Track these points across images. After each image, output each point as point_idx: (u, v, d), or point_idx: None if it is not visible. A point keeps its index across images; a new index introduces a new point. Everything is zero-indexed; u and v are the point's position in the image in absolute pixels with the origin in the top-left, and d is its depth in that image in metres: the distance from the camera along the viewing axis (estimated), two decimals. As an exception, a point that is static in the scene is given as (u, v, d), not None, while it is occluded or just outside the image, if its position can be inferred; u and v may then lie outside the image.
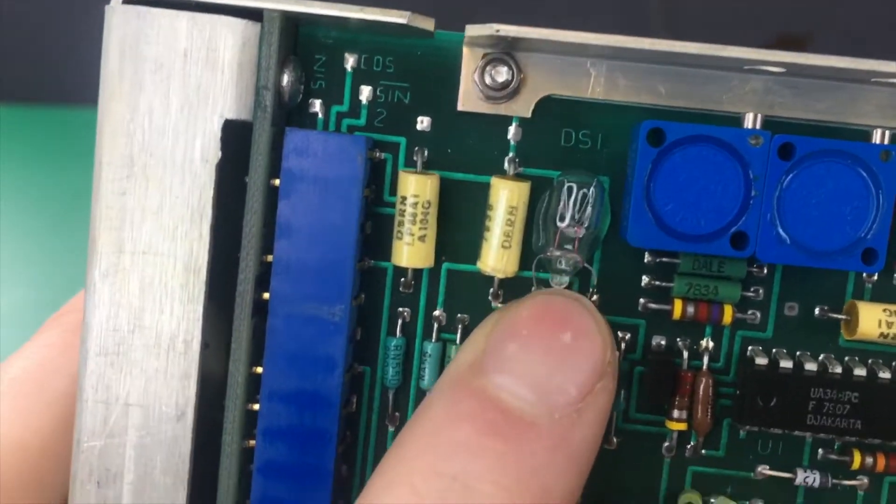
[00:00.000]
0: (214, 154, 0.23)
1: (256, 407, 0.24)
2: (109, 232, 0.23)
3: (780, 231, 0.24)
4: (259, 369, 0.24)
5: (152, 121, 0.23)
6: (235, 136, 0.23)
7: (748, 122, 0.24)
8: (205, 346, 0.23)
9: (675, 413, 0.26)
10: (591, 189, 0.25)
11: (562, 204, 0.25)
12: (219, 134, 0.23)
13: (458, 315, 0.26)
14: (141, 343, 0.23)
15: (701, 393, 0.26)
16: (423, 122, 0.25)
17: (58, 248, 0.67)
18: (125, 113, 0.23)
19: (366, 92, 0.25)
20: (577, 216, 0.25)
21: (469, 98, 0.25)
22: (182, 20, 0.23)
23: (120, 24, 0.23)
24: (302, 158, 0.24)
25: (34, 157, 0.70)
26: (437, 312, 0.26)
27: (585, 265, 0.25)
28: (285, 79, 0.24)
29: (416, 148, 0.25)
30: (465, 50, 0.25)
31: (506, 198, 0.24)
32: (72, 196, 0.67)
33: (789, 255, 0.24)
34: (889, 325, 0.25)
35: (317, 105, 0.25)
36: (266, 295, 0.24)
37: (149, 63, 0.23)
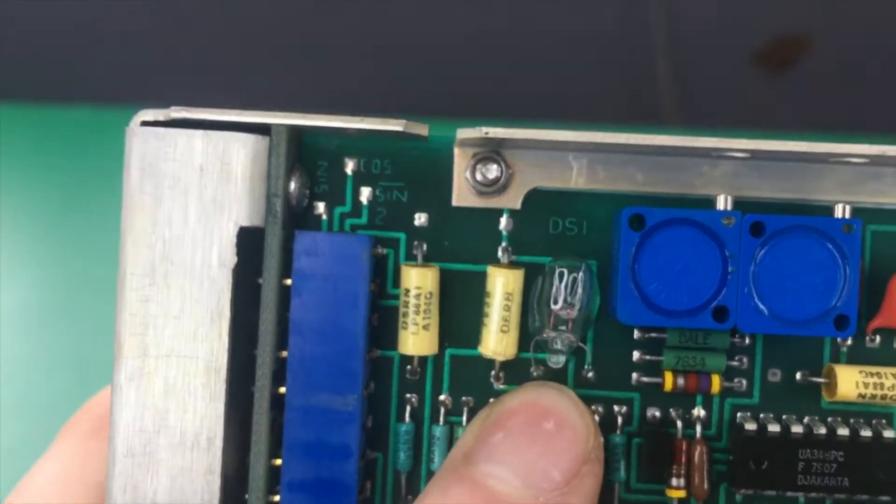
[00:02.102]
0: (231, 259, 0.25)
1: (277, 498, 0.25)
2: (134, 337, 0.24)
3: (758, 303, 0.26)
4: (278, 461, 0.25)
5: (172, 231, 0.24)
6: (249, 241, 0.25)
7: (720, 203, 0.26)
8: (227, 441, 0.25)
9: (674, 481, 0.27)
10: (580, 273, 0.26)
11: (554, 288, 0.26)
12: (234, 240, 0.25)
13: (463, 398, 0.28)
14: (166, 442, 0.24)
15: (696, 460, 0.27)
16: (420, 219, 0.27)
17: (57, 247, 0.68)
18: (146, 225, 0.24)
19: (366, 193, 0.27)
20: (568, 298, 0.26)
21: (462, 194, 0.27)
22: (197, 138, 0.25)
23: (139, 144, 0.25)
24: (311, 258, 0.25)
25: (34, 156, 0.70)
26: (442, 397, 0.27)
27: (580, 344, 0.27)
28: (292, 186, 0.26)
29: (416, 242, 0.27)
30: (457, 150, 0.27)
31: (501, 285, 0.26)
32: (71, 195, 0.68)
33: (768, 325, 0.26)
34: (866, 385, 0.27)
35: (321, 207, 0.27)
36: (282, 389, 0.25)
37: (167, 179, 0.24)
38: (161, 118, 0.25)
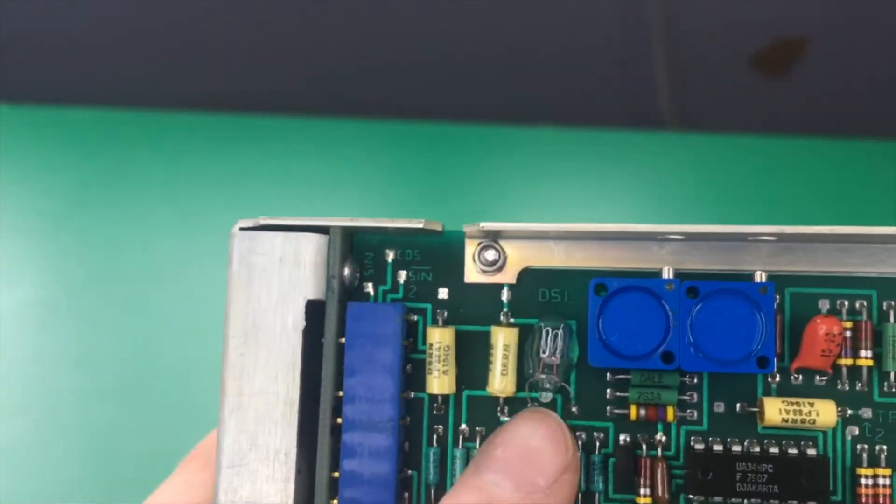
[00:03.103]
0: (301, 324, 0.34)
1: (335, 501, 0.34)
2: (233, 381, 0.34)
3: (696, 348, 0.34)
4: (336, 474, 0.34)
5: (260, 304, 0.34)
6: (315, 311, 0.35)
7: (665, 274, 0.35)
8: (299, 457, 0.34)
9: (641, 491, 0.35)
10: (560, 330, 0.35)
11: (542, 341, 0.35)
12: (303, 310, 0.34)
13: (477, 428, 0.36)
14: (256, 457, 0.34)
15: (658, 475, 0.35)
16: (442, 293, 0.37)
17: (59, 246, 0.70)
18: (242, 300, 0.34)
19: (402, 275, 0.37)
20: (552, 349, 0.35)
21: (471, 273, 0.36)
22: (279, 238, 0.35)
23: (239, 243, 0.35)
24: (359, 322, 0.35)
25: (35, 157, 0.72)
26: (462, 427, 0.36)
27: (563, 384, 0.35)
28: (346, 271, 0.35)
29: (439, 311, 0.36)
30: (466, 241, 0.36)
31: (501, 339, 0.35)
32: (72, 195, 0.71)
33: (704, 365, 0.34)
34: (787, 412, 0.34)
35: (369, 287, 0.37)
36: (339, 420, 0.34)
37: (257, 268, 0.34)
38: (252, 224, 0.35)
